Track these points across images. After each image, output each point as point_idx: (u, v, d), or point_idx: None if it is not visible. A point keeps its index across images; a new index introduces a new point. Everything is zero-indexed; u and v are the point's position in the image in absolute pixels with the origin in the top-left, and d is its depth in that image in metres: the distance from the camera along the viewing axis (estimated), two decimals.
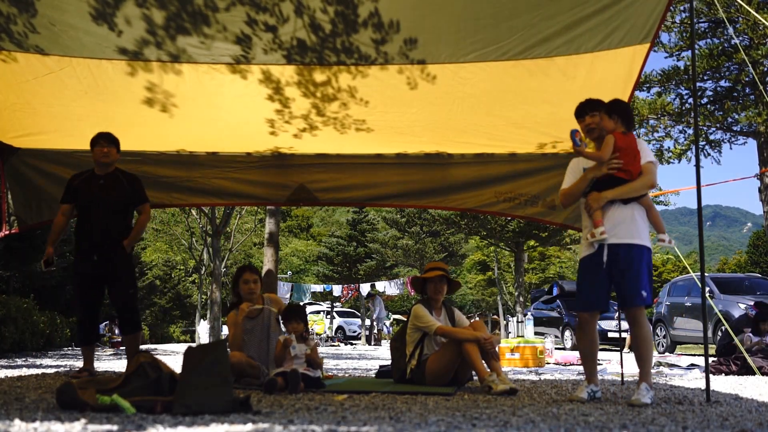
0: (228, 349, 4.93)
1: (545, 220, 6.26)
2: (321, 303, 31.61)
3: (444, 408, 3.33)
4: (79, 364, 8.71)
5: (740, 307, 11.28)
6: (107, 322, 22.03)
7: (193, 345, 3.53)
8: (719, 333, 11.39)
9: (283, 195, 6.28)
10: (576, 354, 12.13)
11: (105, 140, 5.19)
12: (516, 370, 7.54)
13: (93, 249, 5.15)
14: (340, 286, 25.97)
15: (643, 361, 3.82)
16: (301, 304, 4.91)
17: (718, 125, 17.05)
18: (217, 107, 5.25)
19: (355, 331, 31.06)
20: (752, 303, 10.42)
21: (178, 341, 34.15)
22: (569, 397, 3.96)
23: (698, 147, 3.97)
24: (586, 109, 4.04)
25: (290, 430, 2.41)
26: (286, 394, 3.97)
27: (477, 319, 4.59)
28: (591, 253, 3.89)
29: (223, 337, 22.54)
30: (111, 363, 9.07)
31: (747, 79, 15.94)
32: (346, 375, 6.08)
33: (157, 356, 3.67)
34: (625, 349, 8.44)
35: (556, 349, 11.34)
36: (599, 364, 8.43)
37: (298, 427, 2.49)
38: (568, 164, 5.85)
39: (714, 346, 11.42)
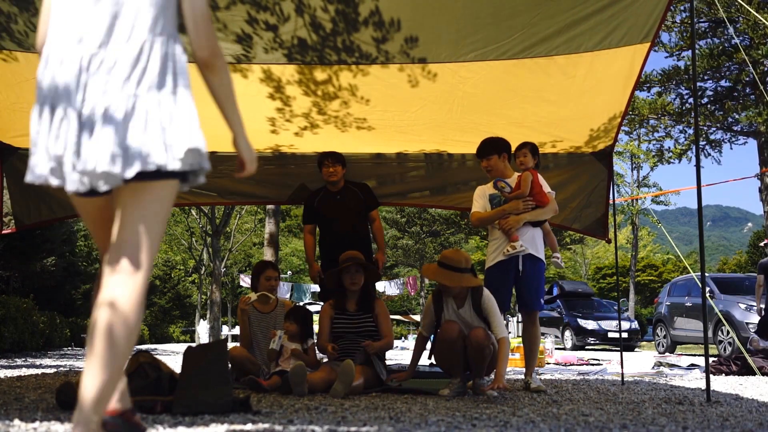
0: (236, 344, 4.98)
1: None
2: (321, 303, 31.56)
3: (444, 408, 3.32)
4: (79, 364, 8.70)
5: (740, 307, 11.27)
6: None
7: (193, 345, 3.53)
8: (720, 333, 11.39)
9: (285, 194, 6.27)
10: (576, 354, 12.13)
11: (331, 159, 5.49)
12: (516, 370, 7.54)
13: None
14: None
15: (534, 355, 4.69)
16: (301, 304, 4.91)
17: (718, 125, 17.06)
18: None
19: None
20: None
21: (178, 341, 34.16)
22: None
23: (698, 147, 4.00)
24: (483, 153, 4.82)
25: (290, 430, 2.41)
26: (278, 394, 3.96)
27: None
28: (501, 261, 4.61)
29: (223, 337, 22.57)
30: None
31: (747, 79, 15.94)
32: None
33: (157, 356, 3.67)
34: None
35: (556, 349, 11.33)
36: (599, 364, 8.46)
37: (298, 427, 2.48)
38: (563, 164, 5.93)
39: (714, 345, 11.42)
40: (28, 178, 1.76)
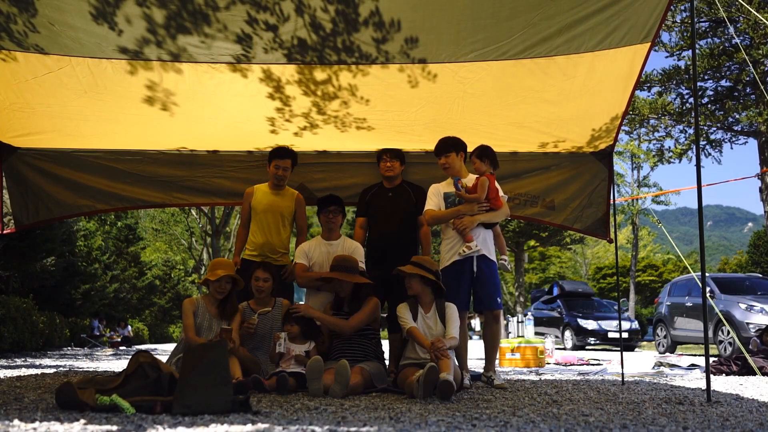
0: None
1: (544, 220, 6.24)
2: None
3: (444, 408, 3.32)
4: (78, 364, 8.71)
5: (741, 307, 11.27)
6: (98, 321, 22.01)
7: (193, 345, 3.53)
8: (720, 333, 11.38)
9: None
10: (576, 354, 12.12)
11: (389, 154, 5.50)
12: (517, 370, 7.54)
13: (383, 257, 5.34)
14: None
15: (495, 352, 4.94)
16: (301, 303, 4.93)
17: (718, 125, 17.06)
18: (218, 106, 5.24)
19: None
20: None
21: (178, 341, 34.10)
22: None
23: (699, 147, 4.00)
24: (441, 151, 4.98)
25: (290, 430, 2.41)
26: (277, 394, 3.96)
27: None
28: (456, 261, 4.78)
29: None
30: (111, 363, 9.06)
31: (748, 78, 15.94)
32: None
33: (157, 356, 3.67)
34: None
35: (556, 349, 11.33)
36: (599, 364, 8.45)
37: (298, 427, 2.48)
38: (563, 164, 5.91)
39: (714, 346, 11.42)
40: None
